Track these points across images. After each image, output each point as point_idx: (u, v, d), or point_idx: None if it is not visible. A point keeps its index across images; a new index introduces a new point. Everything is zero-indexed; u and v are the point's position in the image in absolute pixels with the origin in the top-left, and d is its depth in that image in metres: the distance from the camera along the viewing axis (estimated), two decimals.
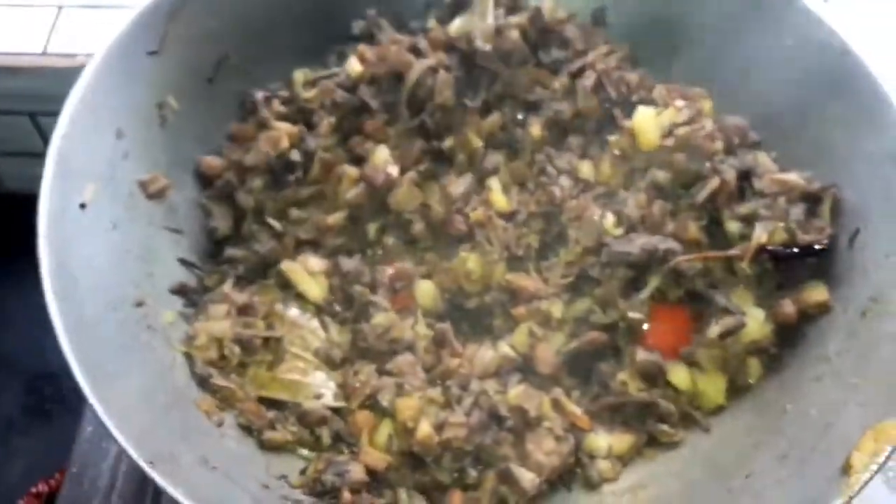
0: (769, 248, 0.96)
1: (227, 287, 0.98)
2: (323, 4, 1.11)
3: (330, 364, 0.97)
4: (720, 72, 1.09)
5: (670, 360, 0.97)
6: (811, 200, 0.99)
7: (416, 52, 1.04)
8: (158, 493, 1.07)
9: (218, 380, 0.90)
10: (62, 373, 1.63)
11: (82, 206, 0.87)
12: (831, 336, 0.93)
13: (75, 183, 0.88)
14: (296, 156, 1.03)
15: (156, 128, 0.99)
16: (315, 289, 1.01)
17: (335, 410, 0.94)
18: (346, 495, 0.84)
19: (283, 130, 1.03)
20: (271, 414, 0.92)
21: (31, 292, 1.72)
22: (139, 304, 0.91)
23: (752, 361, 0.97)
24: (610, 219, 0.99)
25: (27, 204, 1.78)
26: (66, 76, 1.52)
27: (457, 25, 1.06)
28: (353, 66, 1.05)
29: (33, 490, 1.51)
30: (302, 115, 1.07)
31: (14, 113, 1.65)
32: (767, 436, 0.90)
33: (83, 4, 1.60)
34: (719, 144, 1.02)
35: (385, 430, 0.91)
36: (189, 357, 0.92)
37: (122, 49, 0.95)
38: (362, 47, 1.06)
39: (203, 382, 0.90)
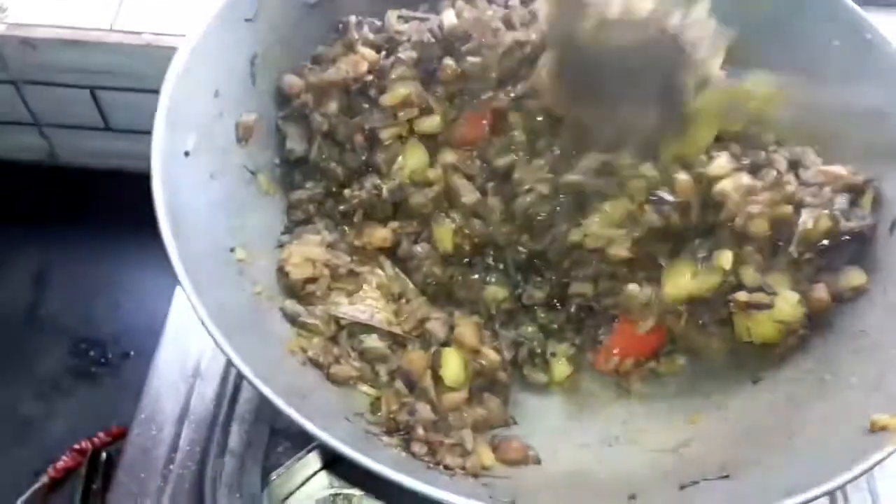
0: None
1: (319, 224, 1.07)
2: None
3: (387, 297, 1.05)
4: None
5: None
6: (855, 191, 1.05)
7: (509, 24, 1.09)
8: (223, 451, 1.14)
9: (306, 318, 0.98)
10: (108, 338, 1.73)
11: (186, 153, 0.94)
12: (870, 313, 0.99)
13: (181, 133, 0.94)
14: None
15: (249, 88, 1.06)
16: None
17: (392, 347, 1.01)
18: (420, 431, 0.91)
19: (366, 55, 1.09)
20: (336, 350, 0.99)
21: (80, 260, 1.81)
22: (231, 250, 0.97)
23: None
24: None
25: (80, 177, 1.88)
26: (130, 53, 1.62)
27: None
28: (449, 17, 1.09)
29: (76, 447, 1.57)
30: (389, 46, 1.11)
31: (75, 86, 1.71)
32: (808, 402, 0.96)
33: None
34: (771, 136, 1.10)
35: (452, 361, 0.99)
36: (283, 274, 1.01)
37: (223, 15, 1.02)
38: (461, 3, 1.11)
39: (293, 320, 0.98)
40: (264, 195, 1.08)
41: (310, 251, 1.02)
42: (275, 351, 0.93)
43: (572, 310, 1.10)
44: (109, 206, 1.79)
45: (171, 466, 1.17)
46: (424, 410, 0.94)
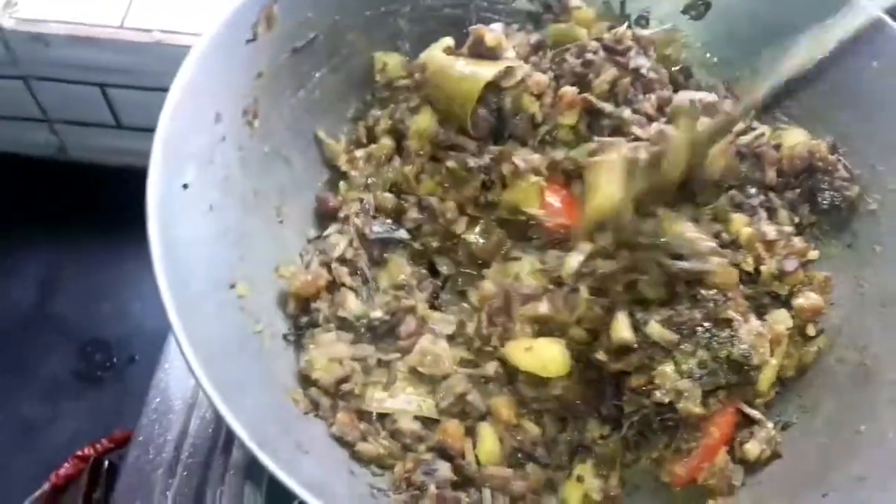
0: None
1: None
2: None
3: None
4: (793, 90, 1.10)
5: None
6: None
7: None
8: (226, 464, 1.10)
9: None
10: (114, 342, 1.70)
11: (185, 186, 0.89)
12: None
13: (179, 164, 0.89)
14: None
15: (249, 112, 1.01)
16: None
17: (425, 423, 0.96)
18: (433, 489, 0.86)
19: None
20: (362, 426, 0.94)
21: (87, 259, 1.78)
22: (231, 286, 0.93)
23: None
24: None
25: (89, 173, 1.84)
26: (140, 50, 1.58)
27: None
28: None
29: (79, 453, 1.54)
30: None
31: (85, 83, 1.68)
32: (842, 458, 0.91)
33: None
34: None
35: (488, 435, 0.94)
36: (309, 383, 0.96)
37: (223, 37, 0.96)
38: None
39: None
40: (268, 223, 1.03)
41: (332, 350, 0.97)
42: (276, 397, 0.89)
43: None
44: (119, 203, 1.74)
45: (171, 481, 1.14)
46: (444, 469, 0.90)
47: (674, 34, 1.17)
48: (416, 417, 0.96)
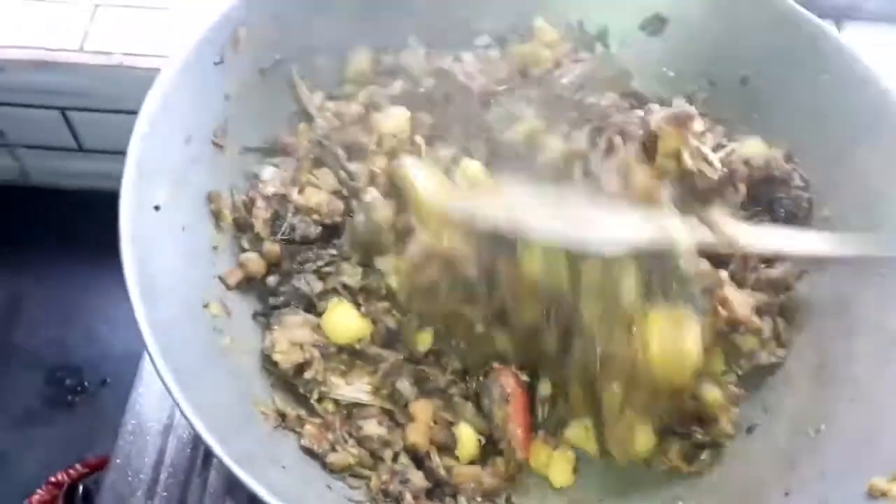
0: None
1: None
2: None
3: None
4: (753, 102, 1.15)
5: None
6: None
7: None
8: (204, 485, 1.10)
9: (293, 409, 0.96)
10: (85, 365, 1.68)
11: (157, 208, 0.90)
12: (864, 358, 0.97)
13: (151, 185, 0.90)
14: None
15: (219, 133, 1.02)
16: None
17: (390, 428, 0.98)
18: (409, 498, 0.87)
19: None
20: (330, 436, 0.95)
21: (54, 283, 1.76)
22: (205, 306, 0.94)
23: None
24: None
25: (51, 198, 1.82)
26: (100, 74, 1.57)
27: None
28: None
29: (53, 479, 1.53)
30: None
31: (45, 107, 1.67)
32: (803, 455, 0.94)
33: (119, 4, 1.62)
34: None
35: (467, 437, 0.96)
36: (269, 363, 0.96)
37: (192, 60, 0.97)
38: None
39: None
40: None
41: (294, 334, 0.98)
42: (251, 413, 0.90)
43: None
44: (83, 227, 1.73)
45: (150, 503, 1.13)
46: (417, 478, 0.92)
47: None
48: (380, 423, 0.97)
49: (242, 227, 1.02)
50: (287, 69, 1.10)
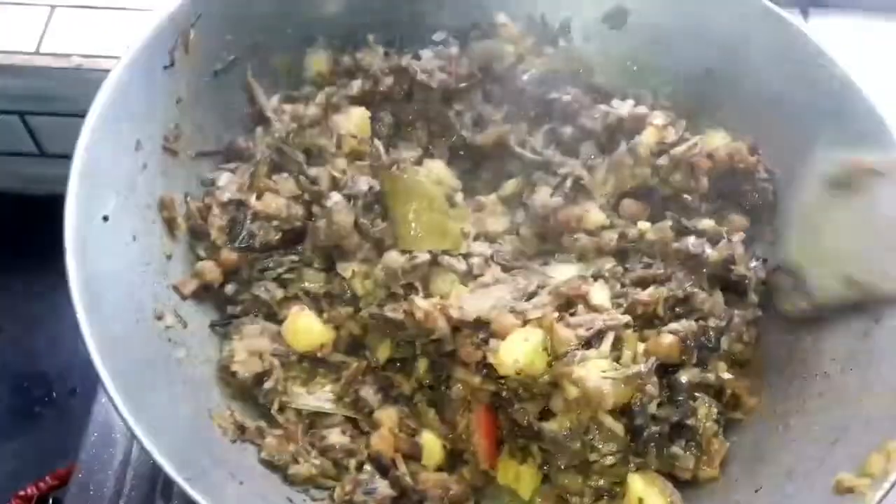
0: None
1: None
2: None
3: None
4: (717, 94, 1.13)
5: None
6: None
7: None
8: (168, 498, 1.08)
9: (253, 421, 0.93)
10: (53, 374, 1.64)
11: (105, 218, 0.87)
12: (832, 354, 0.96)
13: (98, 196, 0.87)
14: None
15: (171, 138, 1.00)
16: None
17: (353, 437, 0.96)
18: None
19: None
20: (291, 447, 0.93)
21: (18, 291, 1.72)
22: (159, 318, 0.91)
23: None
24: None
25: (12, 203, 1.78)
26: (58, 76, 1.54)
27: None
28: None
29: (21, 493, 1.50)
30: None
31: (4, 112, 1.63)
32: (773, 451, 0.93)
33: (76, 4, 1.58)
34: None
35: (433, 446, 0.95)
36: (227, 374, 0.94)
37: (139, 64, 0.95)
38: None
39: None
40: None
41: (253, 343, 0.96)
42: (206, 427, 0.88)
43: None
44: (47, 232, 1.70)
45: None
46: (383, 487, 0.90)
47: None
48: (344, 432, 0.95)
49: (198, 234, 1.00)
50: (242, 70, 1.07)
